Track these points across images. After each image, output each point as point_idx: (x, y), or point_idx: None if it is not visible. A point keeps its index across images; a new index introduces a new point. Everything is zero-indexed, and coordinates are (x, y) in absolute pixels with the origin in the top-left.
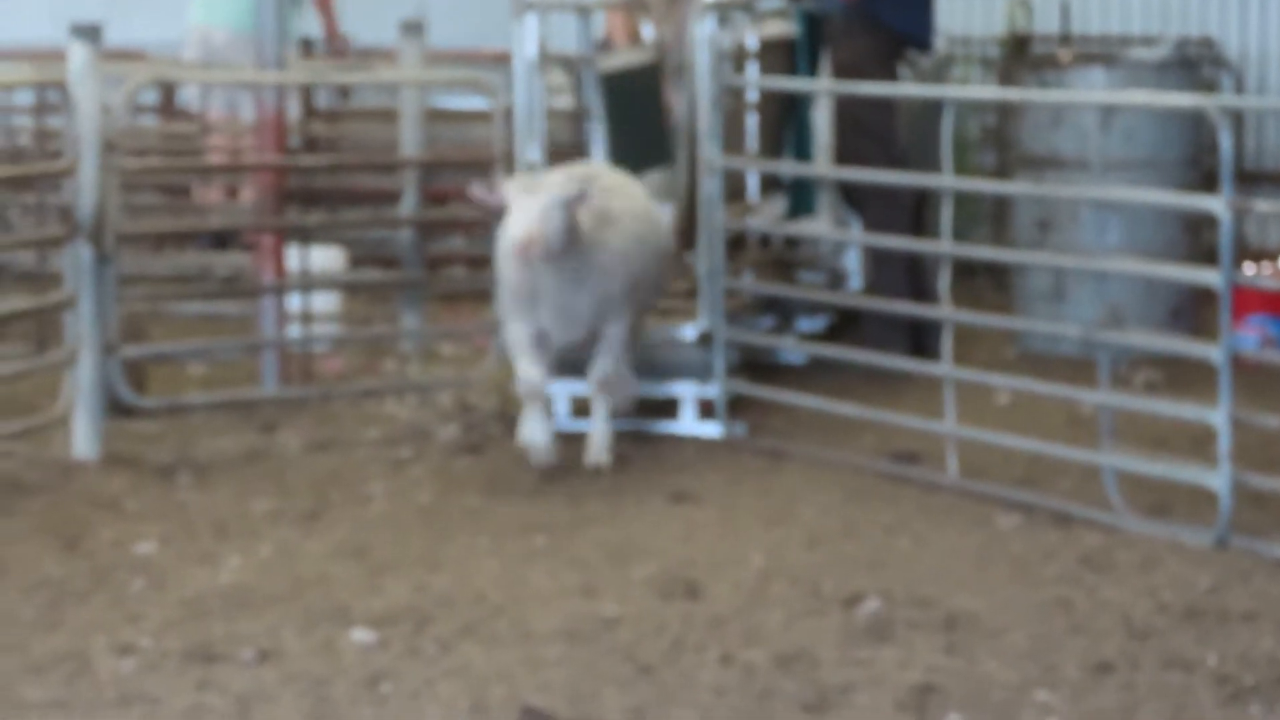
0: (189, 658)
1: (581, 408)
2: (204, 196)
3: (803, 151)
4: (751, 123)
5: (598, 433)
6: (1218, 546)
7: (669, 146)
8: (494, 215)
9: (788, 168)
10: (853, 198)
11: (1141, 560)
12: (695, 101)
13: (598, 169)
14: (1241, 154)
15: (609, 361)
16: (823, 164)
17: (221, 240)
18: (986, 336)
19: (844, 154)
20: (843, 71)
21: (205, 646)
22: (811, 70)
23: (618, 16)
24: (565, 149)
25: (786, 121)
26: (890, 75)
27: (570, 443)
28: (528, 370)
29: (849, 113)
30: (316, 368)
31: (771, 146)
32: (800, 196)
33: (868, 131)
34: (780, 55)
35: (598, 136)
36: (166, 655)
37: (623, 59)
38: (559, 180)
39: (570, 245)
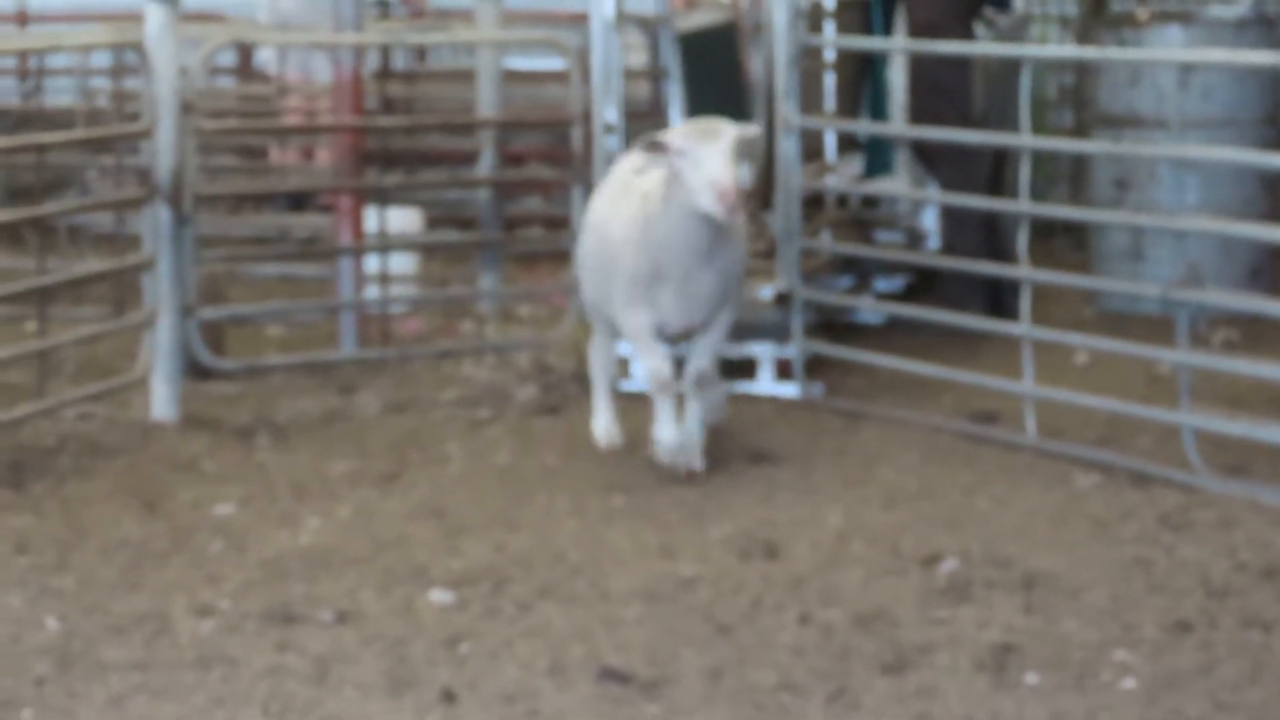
0: (268, 619)
1: None
2: (281, 158)
3: (879, 111)
4: (829, 82)
5: (693, 436)
6: None
7: (746, 106)
8: (576, 179)
9: (864, 127)
10: (928, 157)
11: (1220, 519)
12: (772, 61)
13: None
14: None
15: (709, 356)
16: (899, 123)
17: (299, 202)
18: (1065, 296)
19: (919, 113)
20: (919, 30)
21: (284, 608)
22: (886, 29)
23: None
24: (643, 109)
25: (862, 81)
26: (968, 34)
27: (648, 402)
28: (657, 364)
29: (925, 72)
30: (394, 329)
31: (848, 106)
32: (877, 156)
33: (943, 91)
34: (855, 14)
35: (675, 96)
36: (246, 616)
37: (699, 18)
38: (718, 128)
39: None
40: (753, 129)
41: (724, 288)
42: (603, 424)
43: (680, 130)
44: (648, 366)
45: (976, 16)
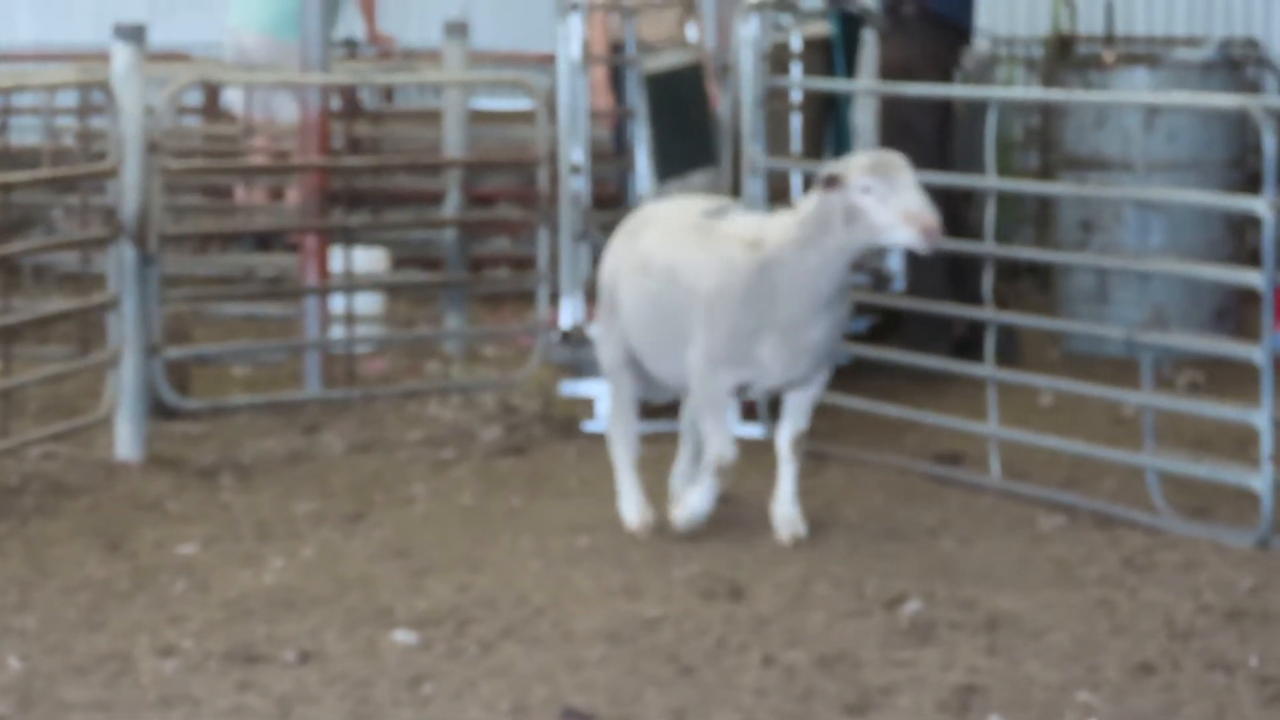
0: (231, 659)
1: None
2: (247, 198)
3: (843, 152)
4: (795, 123)
5: (791, 500)
6: (1260, 547)
7: (712, 148)
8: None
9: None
10: None
11: (1184, 561)
12: (738, 102)
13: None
14: None
15: (808, 415)
16: None
17: (265, 242)
18: (1030, 337)
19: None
20: (893, 72)
21: (247, 648)
22: (848, 70)
23: (597, 23)
24: (609, 150)
25: (826, 122)
26: (943, 77)
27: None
28: (726, 442)
29: (896, 115)
30: (359, 369)
31: (812, 148)
32: None
33: (914, 135)
34: (818, 55)
35: (641, 137)
36: (209, 656)
37: (665, 59)
38: (897, 160)
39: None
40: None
41: (832, 340)
42: (632, 505)
43: (853, 165)
44: (717, 444)
45: (957, 54)
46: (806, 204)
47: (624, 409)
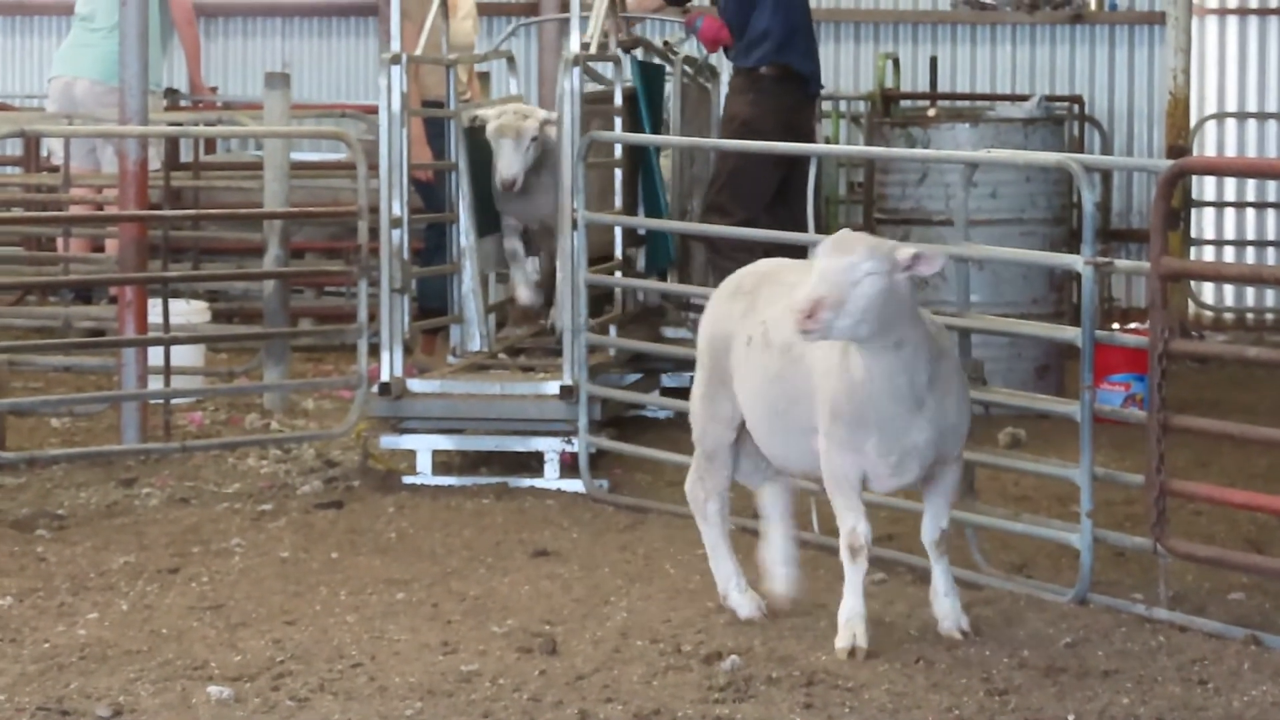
0: (43, 713)
1: (443, 463)
2: (67, 248)
3: (652, 203)
4: (618, 178)
5: (948, 599)
6: (1078, 603)
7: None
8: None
9: (649, 223)
10: (714, 248)
11: (1002, 617)
12: (559, 155)
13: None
14: (1109, 212)
15: (944, 513)
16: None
17: (85, 294)
18: None
19: (709, 205)
20: (739, 125)
21: (59, 702)
22: (653, 122)
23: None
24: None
25: (636, 174)
26: (791, 131)
27: (433, 496)
28: (857, 521)
29: (726, 166)
30: (178, 421)
31: (627, 200)
32: (657, 246)
33: (737, 186)
34: (625, 108)
35: (464, 190)
36: (20, 710)
37: (487, 113)
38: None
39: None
40: None
41: (938, 441)
42: (737, 590)
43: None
44: (849, 522)
45: (804, 118)
46: None
47: (723, 489)
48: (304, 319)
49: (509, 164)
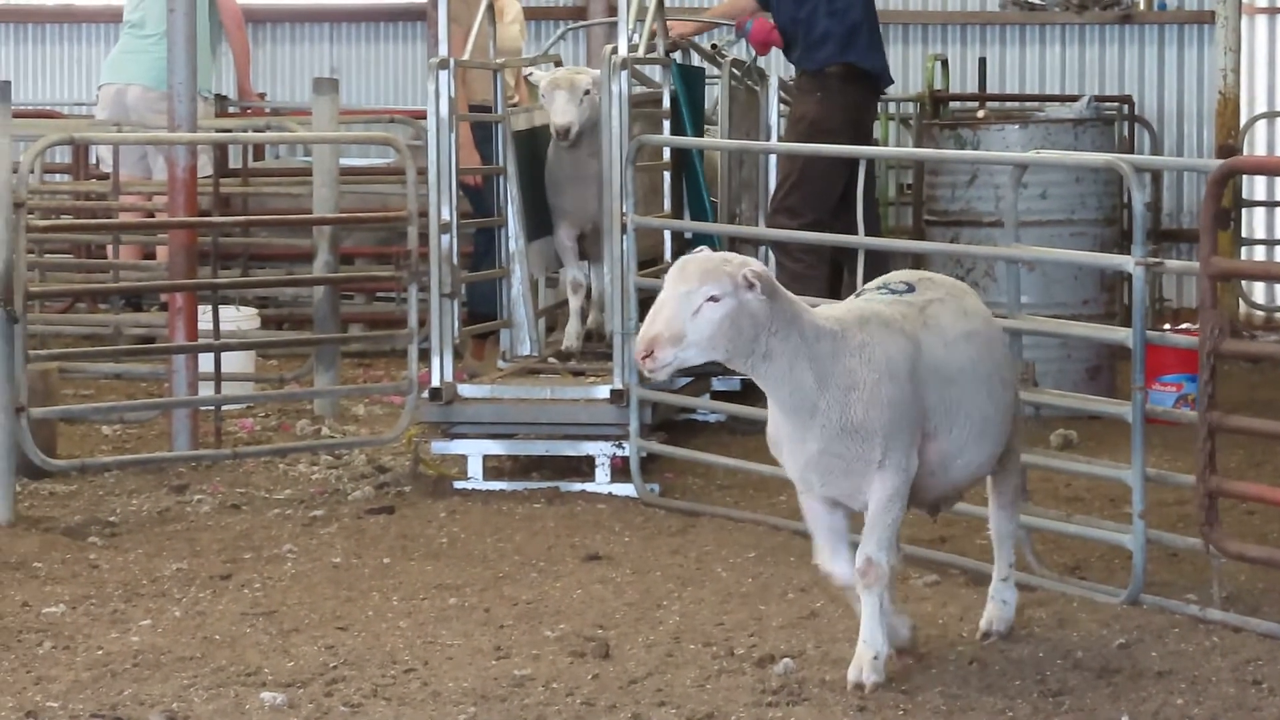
0: None
1: (494, 468)
2: (123, 256)
3: (697, 206)
4: (665, 181)
5: (863, 637)
6: (1131, 604)
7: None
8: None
9: (699, 226)
10: (781, 249)
11: (1055, 619)
12: (610, 159)
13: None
14: (1159, 212)
15: (870, 538)
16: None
17: (137, 300)
18: None
19: (777, 207)
20: (807, 125)
21: (113, 709)
22: (695, 125)
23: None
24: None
25: (680, 178)
26: (860, 130)
27: (484, 501)
28: (824, 561)
29: (794, 166)
30: (229, 428)
31: (673, 204)
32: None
33: (808, 187)
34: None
35: (512, 195)
36: (74, 718)
37: (536, 117)
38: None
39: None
40: None
41: (842, 449)
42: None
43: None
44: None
45: (870, 116)
46: None
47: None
48: (354, 324)
49: (564, 112)
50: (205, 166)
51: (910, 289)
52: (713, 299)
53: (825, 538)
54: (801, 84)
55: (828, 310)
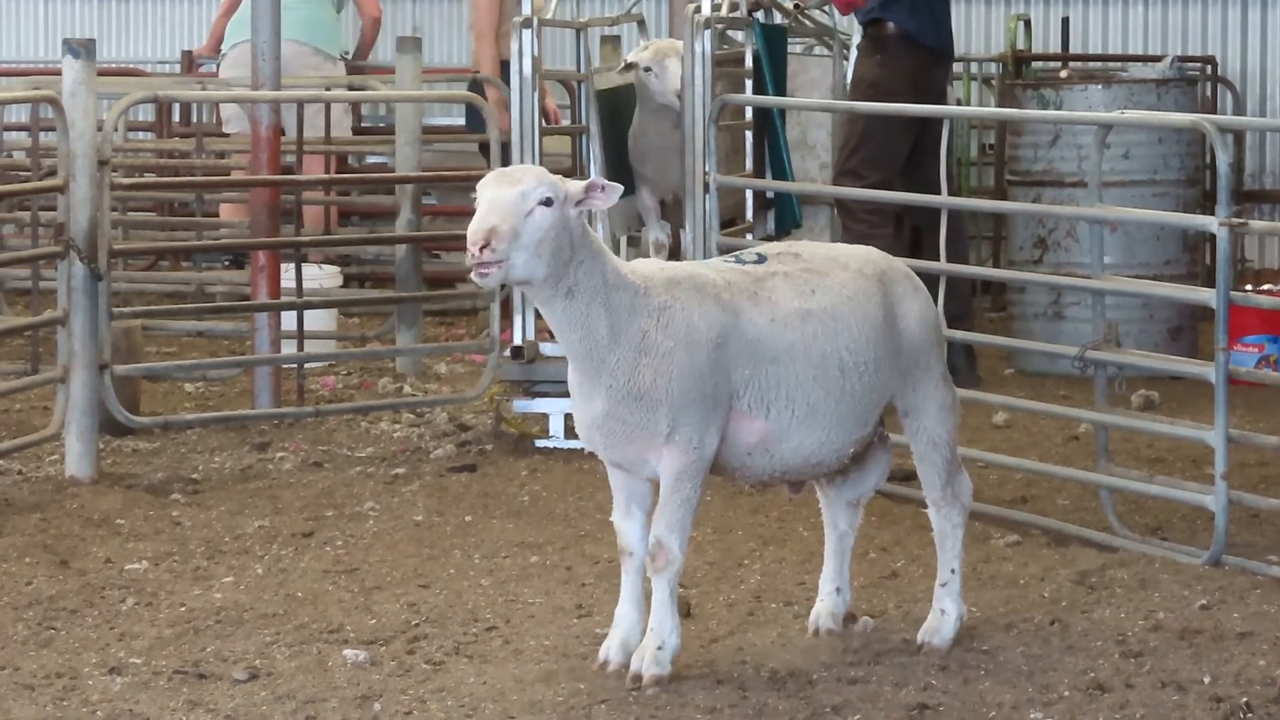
0: (179, 676)
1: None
2: (229, 213)
3: (777, 166)
4: (746, 140)
5: (651, 624)
6: (1213, 565)
7: None
8: None
9: (781, 185)
10: (846, 211)
11: (1137, 580)
12: (693, 118)
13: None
14: (1242, 173)
15: (660, 519)
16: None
17: (238, 259)
18: (984, 355)
19: (842, 169)
20: (865, 87)
21: (196, 665)
22: (776, 84)
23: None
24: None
25: (761, 138)
26: (920, 94)
27: (565, 459)
28: (617, 517)
29: (857, 129)
30: (311, 386)
31: (755, 163)
32: (785, 210)
33: (871, 149)
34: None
35: (595, 154)
36: (157, 674)
37: (617, 77)
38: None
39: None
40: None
41: (628, 414)
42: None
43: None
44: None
45: (931, 81)
46: None
47: None
48: (436, 283)
49: (679, 78)
50: (322, 126)
51: (761, 260)
52: (546, 201)
53: (621, 494)
54: (863, 46)
55: (642, 265)
